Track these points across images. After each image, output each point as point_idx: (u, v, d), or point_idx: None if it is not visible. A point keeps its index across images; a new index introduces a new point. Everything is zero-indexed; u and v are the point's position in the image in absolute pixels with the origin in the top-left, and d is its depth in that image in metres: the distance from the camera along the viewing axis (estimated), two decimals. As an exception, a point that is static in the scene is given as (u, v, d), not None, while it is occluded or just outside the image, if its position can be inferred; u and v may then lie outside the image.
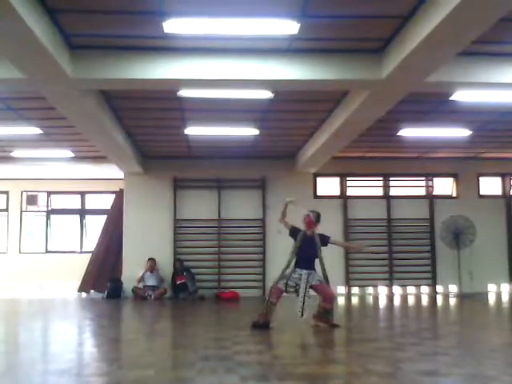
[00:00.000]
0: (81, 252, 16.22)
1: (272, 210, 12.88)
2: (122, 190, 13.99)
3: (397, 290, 13.79)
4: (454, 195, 14.27)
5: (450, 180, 14.33)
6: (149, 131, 11.17)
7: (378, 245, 13.56)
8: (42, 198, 16.80)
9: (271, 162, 13.68)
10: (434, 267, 13.79)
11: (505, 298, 12.73)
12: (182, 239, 13.61)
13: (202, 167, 13.59)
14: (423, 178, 14.30)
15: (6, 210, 16.60)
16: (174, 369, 5.19)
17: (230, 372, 4.80)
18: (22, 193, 16.62)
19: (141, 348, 6.34)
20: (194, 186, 13.77)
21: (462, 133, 11.10)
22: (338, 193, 14.14)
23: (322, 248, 7.73)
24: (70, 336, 7.51)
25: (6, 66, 6.61)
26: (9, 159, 13.38)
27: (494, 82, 7.33)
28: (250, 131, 10.85)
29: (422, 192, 14.32)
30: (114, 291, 13.04)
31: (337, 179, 14.19)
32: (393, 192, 14.25)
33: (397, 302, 12.18)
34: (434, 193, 14.25)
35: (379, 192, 14.31)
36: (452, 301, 12.29)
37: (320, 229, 7.92)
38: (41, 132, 10.70)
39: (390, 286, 13.79)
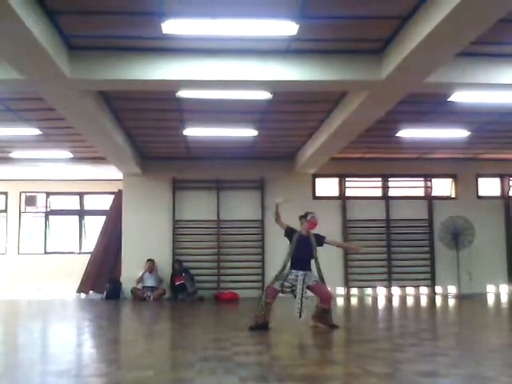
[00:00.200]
0: (80, 253, 16.20)
1: (271, 210, 12.86)
2: (120, 191, 13.99)
3: (396, 290, 13.79)
4: (453, 196, 14.28)
5: (449, 181, 14.33)
6: (148, 132, 11.17)
7: (376, 246, 13.59)
8: (40, 199, 16.79)
9: (270, 162, 13.68)
10: (433, 268, 13.79)
11: (504, 299, 12.73)
12: (180, 240, 13.60)
13: (200, 168, 13.58)
14: (422, 179, 14.30)
15: (5, 210, 16.59)
16: (173, 370, 5.19)
17: (229, 373, 4.79)
18: (20, 194, 16.61)
19: (140, 349, 6.33)
20: (192, 186, 13.77)
21: (460, 134, 11.10)
22: (336, 194, 14.14)
23: (319, 248, 7.72)
24: (69, 337, 7.50)
25: (4, 67, 6.61)
26: (8, 160, 13.36)
27: (493, 82, 7.34)
28: (248, 132, 10.85)
29: (420, 193, 14.33)
30: (113, 292, 13.04)
31: (336, 180, 14.19)
32: (392, 193, 14.25)
33: (396, 302, 12.18)
34: (433, 194, 14.26)
35: (378, 193, 14.30)
36: (451, 301, 12.29)
37: (318, 229, 7.92)
38: (40, 133, 10.69)
39: (388, 286, 13.79)
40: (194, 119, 10.07)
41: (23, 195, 16.67)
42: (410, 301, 12.50)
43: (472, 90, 8.09)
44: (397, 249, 13.85)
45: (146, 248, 13.32)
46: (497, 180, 14.47)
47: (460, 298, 12.66)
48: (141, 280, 13.07)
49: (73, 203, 16.78)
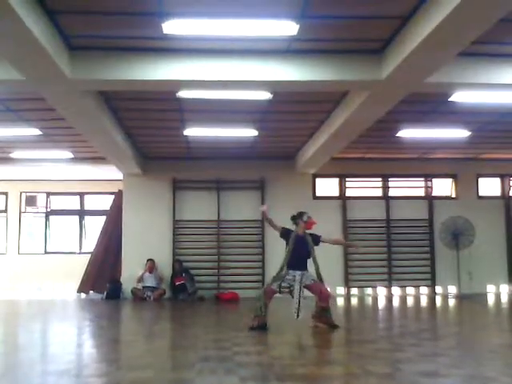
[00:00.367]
0: (80, 253, 16.22)
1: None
2: (120, 191, 13.99)
3: (396, 290, 13.79)
4: (454, 196, 14.28)
5: (450, 181, 14.33)
6: (148, 132, 11.17)
7: (377, 246, 13.59)
8: (41, 199, 16.80)
9: (270, 162, 13.68)
10: (434, 268, 13.79)
11: (504, 299, 12.72)
12: (181, 240, 13.60)
13: (201, 168, 13.58)
14: (422, 179, 14.30)
15: (5, 210, 16.60)
16: (173, 370, 5.19)
17: (229, 373, 4.80)
18: (21, 194, 16.63)
19: (140, 349, 6.33)
20: (193, 187, 13.77)
21: (461, 134, 11.10)
22: (337, 194, 14.13)
23: (316, 248, 7.72)
24: (70, 337, 7.50)
25: (4, 67, 6.61)
26: (8, 160, 13.37)
27: (494, 82, 7.33)
28: (249, 132, 10.85)
29: (421, 193, 14.32)
30: (113, 292, 13.04)
31: (336, 180, 14.19)
32: (392, 193, 14.25)
33: (396, 302, 12.18)
34: (434, 193, 14.25)
35: (378, 193, 14.30)
36: (451, 301, 12.28)
37: (318, 229, 7.93)
38: (40, 133, 10.69)
39: (389, 286, 13.78)
40: (194, 119, 10.07)
41: (23, 195, 16.69)
42: (410, 301, 12.50)
43: (473, 90, 8.08)
44: (397, 249, 13.85)
45: (146, 248, 13.32)
46: (497, 180, 14.47)
47: (460, 298, 12.66)
48: (141, 280, 13.07)
49: (73, 203, 16.79)
